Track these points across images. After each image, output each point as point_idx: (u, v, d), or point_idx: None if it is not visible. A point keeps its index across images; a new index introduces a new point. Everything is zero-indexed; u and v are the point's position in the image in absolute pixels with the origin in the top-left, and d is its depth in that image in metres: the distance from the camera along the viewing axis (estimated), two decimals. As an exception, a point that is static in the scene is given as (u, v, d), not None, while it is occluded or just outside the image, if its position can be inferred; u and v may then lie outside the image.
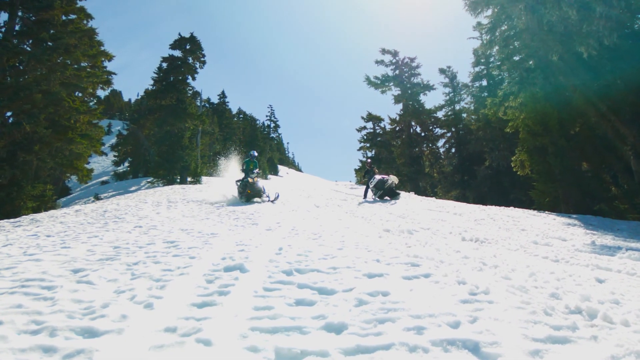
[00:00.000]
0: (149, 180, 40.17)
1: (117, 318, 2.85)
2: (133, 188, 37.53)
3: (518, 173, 29.76)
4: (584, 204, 26.00)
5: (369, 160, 23.27)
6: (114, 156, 57.02)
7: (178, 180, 37.78)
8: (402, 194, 25.57)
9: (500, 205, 24.34)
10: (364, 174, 23.13)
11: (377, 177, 20.68)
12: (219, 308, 3.13)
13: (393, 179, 20.37)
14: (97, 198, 33.77)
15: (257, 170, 19.69)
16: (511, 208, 20.69)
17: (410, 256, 5.46)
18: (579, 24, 19.06)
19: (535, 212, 20.75)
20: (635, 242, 11.42)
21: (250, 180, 18.19)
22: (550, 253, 7.93)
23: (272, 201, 18.13)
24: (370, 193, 21.38)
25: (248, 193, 17.91)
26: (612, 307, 3.77)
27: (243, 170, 19.57)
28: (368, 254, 5.50)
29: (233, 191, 19.49)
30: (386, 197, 20.43)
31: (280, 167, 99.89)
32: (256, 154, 20.18)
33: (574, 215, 19.85)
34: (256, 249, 5.62)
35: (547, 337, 2.78)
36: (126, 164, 55.44)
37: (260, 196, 18.34)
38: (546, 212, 21.88)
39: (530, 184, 29.18)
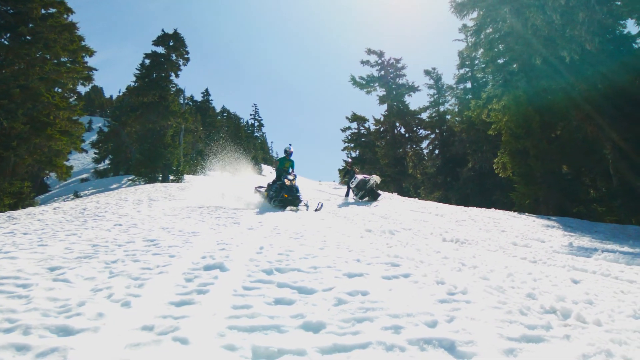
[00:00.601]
0: (130, 178, 39.88)
1: (93, 316, 2.83)
2: (114, 186, 37.29)
3: (500, 175, 30.02)
4: (563, 206, 26.27)
5: (349, 160, 23.30)
6: (95, 153, 56.69)
7: (160, 178, 37.54)
8: (385, 194, 25.62)
9: (482, 206, 24.49)
10: (344, 174, 22.97)
11: (359, 177, 20.05)
12: (198, 307, 3.11)
13: (375, 179, 19.94)
14: (77, 195, 33.51)
15: (292, 170, 17.44)
16: (492, 209, 20.83)
17: (391, 256, 5.49)
18: (562, 28, 19.26)
19: (515, 213, 20.92)
20: (612, 244, 11.56)
21: (287, 182, 16.00)
22: (529, 254, 8.00)
23: (315, 210, 15.67)
24: (351, 193, 20.84)
25: (284, 197, 15.68)
26: (586, 307, 3.83)
27: (276, 170, 17.47)
28: (349, 254, 5.52)
29: (249, 196, 17.70)
30: (366, 198, 20.04)
31: (263, 166, 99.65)
32: (292, 149, 18.26)
33: (554, 217, 20.05)
34: (237, 248, 5.60)
35: (522, 336, 2.82)
36: (107, 162, 55.08)
37: (297, 203, 15.90)
38: (526, 213, 22.07)
39: (512, 186, 29.43)
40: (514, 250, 8.63)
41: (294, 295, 3.55)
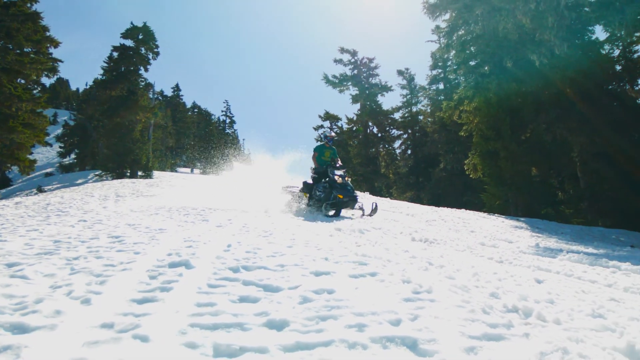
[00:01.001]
0: (97, 173, 39.22)
1: (51, 314, 2.76)
2: (80, 181, 36.70)
3: (471, 176, 30.35)
4: (532, 207, 26.67)
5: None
6: (60, 147, 55.74)
7: (128, 174, 37.09)
8: (357, 194, 25.66)
9: (453, 207, 24.72)
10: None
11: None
12: (160, 304, 3.07)
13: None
14: (40, 190, 32.94)
15: (339, 162, 14.07)
16: (462, 210, 21.08)
17: (359, 255, 5.49)
18: (532, 32, 19.57)
19: (485, 214, 21.18)
20: (577, 245, 11.77)
21: (337, 178, 13.02)
22: (496, 254, 8.10)
23: (369, 214, 13.31)
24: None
25: (338, 199, 12.62)
26: (547, 306, 3.89)
27: (316, 161, 14.18)
28: (317, 252, 5.50)
29: (272, 198, 14.95)
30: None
31: (235, 163, 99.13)
32: (333, 133, 14.71)
33: (522, 218, 20.35)
34: (204, 246, 5.55)
35: (483, 334, 2.85)
36: (73, 156, 54.17)
37: (353, 206, 13.18)
38: (496, 214, 22.38)
39: (483, 187, 29.76)
40: (481, 250, 8.73)
41: (259, 293, 3.52)
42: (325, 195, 13.12)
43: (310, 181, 14.55)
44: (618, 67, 28.65)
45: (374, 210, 13.46)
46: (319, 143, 14.85)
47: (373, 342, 2.54)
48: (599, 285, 5.85)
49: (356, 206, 13.40)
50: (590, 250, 10.80)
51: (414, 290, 3.84)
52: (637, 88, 24.73)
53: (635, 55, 28.25)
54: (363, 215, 13.34)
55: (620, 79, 27.83)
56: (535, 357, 2.54)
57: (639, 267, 7.53)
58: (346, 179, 13.38)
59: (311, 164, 14.57)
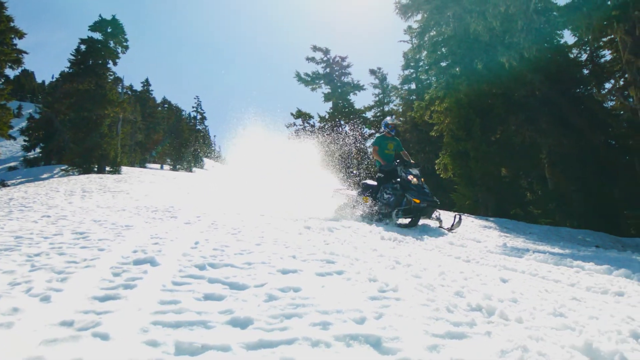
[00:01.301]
0: (63, 168, 38.55)
1: (8, 311, 2.70)
2: (45, 175, 36.06)
3: (441, 176, 30.64)
4: (501, 207, 27.03)
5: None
6: (24, 141, 54.89)
7: (96, 169, 36.59)
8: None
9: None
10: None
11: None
12: (123, 302, 3.02)
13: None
14: (3, 184, 32.26)
15: (407, 157, 12.28)
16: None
17: (327, 253, 5.50)
18: (502, 34, 19.79)
19: (455, 213, 21.39)
20: (543, 245, 11.95)
21: (412, 179, 10.97)
22: (464, 253, 8.16)
23: (450, 228, 11.35)
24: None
25: (415, 204, 10.51)
26: (510, 305, 3.93)
27: (383, 157, 12.07)
28: (285, 250, 5.49)
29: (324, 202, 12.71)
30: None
31: (205, 160, 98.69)
32: (396, 121, 12.33)
33: (491, 218, 20.61)
34: (171, 243, 5.50)
35: (446, 332, 2.87)
36: (38, 150, 53.30)
37: (431, 214, 11.27)
38: (466, 214, 22.57)
39: (453, 187, 30.09)
40: (450, 249, 8.79)
41: (225, 291, 3.49)
42: (396, 200, 11.02)
43: (372, 182, 12.45)
44: (585, 71, 29.27)
45: (458, 223, 11.50)
46: (378, 134, 12.68)
47: (337, 340, 2.54)
48: (562, 284, 5.94)
49: (432, 215, 11.50)
50: (556, 250, 10.97)
51: (380, 288, 3.86)
52: (603, 92, 25.25)
53: (602, 60, 28.90)
54: (440, 226, 11.51)
55: (588, 82, 28.42)
56: (496, 355, 2.57)
57: (602, 267, 7.66)
58: (422, 179, 11.27)
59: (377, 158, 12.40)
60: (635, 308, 4.82)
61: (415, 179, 10.94)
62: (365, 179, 13.02)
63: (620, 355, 2.71)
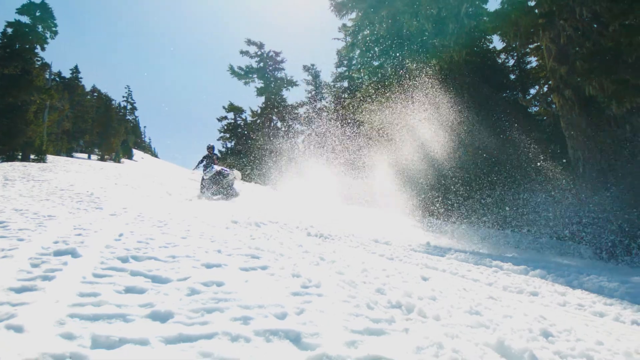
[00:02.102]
0: (-17, 154, 36.95)
1: None
2: (-37, 163, 34.46)
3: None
4: (426, 206, 27.58)
5: (211, 145, 17.91)
6: (-59, 126, 52.01)
7: (20, 157, 35.17)
8: (260, 187, 25.67)
9: (354, 203, 25.17)
10: (201, 160, 17.78)
11: (217, 168, 16.84)
12: (40, 293, 2.96)
13: (236, 175, 17.04)
14: None
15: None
16: (362, 207, 21.48)
17: (252, 248, 5.52)
18: (433, 37, 20.16)
19: (384, 212, 21.69)
20: (466, 244, 12.31)
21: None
22: (388, 251, 8.35)
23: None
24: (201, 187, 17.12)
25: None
26: (429, 302, 4.05)
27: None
28: (211, 244, 5.49)
29: None
30: (219, 196, 16.59)
31: (135, 151, 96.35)
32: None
33: (418, 217, 20.99)
34: (95, 234, 5.40)
35: (365, 329, 2.94)
36: (-45, 136, 50.69)
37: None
38: (394, 212, 22.92)
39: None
40: (374, 247, 8.97)
41: (147, 284, 3.46)
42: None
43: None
44: (512, 76, 30.30)
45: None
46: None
47: (257, 335, 2.56)
48: (480, 283, 6.17)
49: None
50: (477, 250, 11.36)
51: (302, 284, 3.92)
52: (528, 97, 26.18)
53: (528, 66, 30.00)
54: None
55: (514, 87, 29.45)
56: (412, 352, 2.64)
57: (519, 267, 8.00)
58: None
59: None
60: (547, 307, 5.08)
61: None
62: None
63: (530, 352, 2.85)
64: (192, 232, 6.52)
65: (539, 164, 27.55)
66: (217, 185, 16.36)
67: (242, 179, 18.59)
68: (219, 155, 18.97)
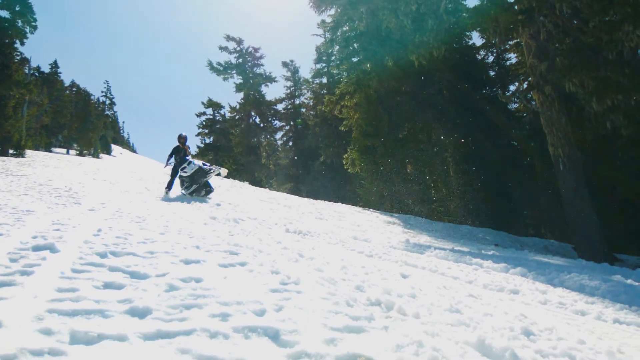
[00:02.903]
0: (-40, 149, 36.38)
1: None
2: (-61, 158, 33.92)
3: (349, 170, 31.07)
4: (406, 204, 27.72)
5: (184, 135, 15.44)
6: None
7: (-2, 152, 34.73)
8: (236, 183, 25.56)
9: (331, 200, 25.23)
10: (170, 153, 15.37)
11: (197, 163, 14.91)
12: (18, 288, 2.94)
13: (222, 172, 15.22)
14: None
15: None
16: (339, 204, 21.54)
17: (231, 244, 5.53)
18: (413, 33, 20.21)
19: (361, 208, 21.77)
20: (445, 242, 12.41)
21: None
22: (367, 248, 8.39)
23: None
24: (178, 184, 15.05)
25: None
26: (409, 300, 4.07)
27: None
28: (189, 240, 5.49)
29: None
30: (202, 193, 14.82)
31: (113, 146, 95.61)
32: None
33: (396, 215, 21.13)
34: (73, 229, 5.37)
35: (345, 326, 2.95)
36: None
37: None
38: (371, 209, 23.01)
39: (360, 182, 30.61)
40: (353, 244, 9.00)
41: (125, 279, 3.46)
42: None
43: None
44: (492, 73, 30.55)
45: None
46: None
47: (235, 332, 2.57)
48: (460, 281, 6.21)
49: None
50: (457, 247, 11.44)
51: (281, 281, 3.94)
52: (508, 94, 26.39)
53: (508, 63, 30.29)
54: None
55: (494, 84, 29.71)
56: (392, 350, 2.65)
57: (499, 265, 8.08)
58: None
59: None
60: (528, 306, 5.14)
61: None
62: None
63: (511, 351, 2.87)
64: (171, 228, 6.51)
65: (518, 161, 27.89)
66: (197, 183, 14.57)
67: (225, 175, 15.68)
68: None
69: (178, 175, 14.73)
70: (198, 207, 11.25)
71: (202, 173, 14.48)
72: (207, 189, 14.81)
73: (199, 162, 15.02)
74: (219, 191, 17.37)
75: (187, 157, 14.97)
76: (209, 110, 50.53)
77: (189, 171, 14.40)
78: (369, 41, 26.10)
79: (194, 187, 14.45)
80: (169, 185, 14.67)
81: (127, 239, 5.11)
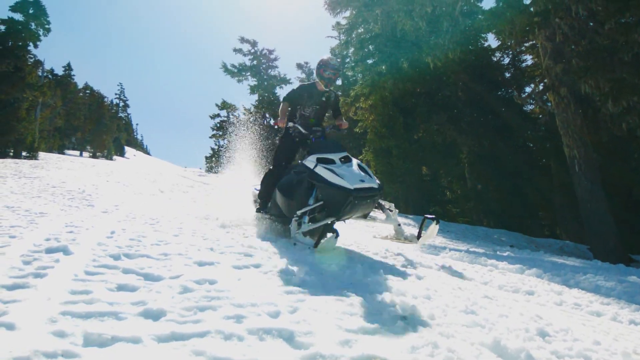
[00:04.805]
0: (-25, 152, 36.77)
1: None
2: (-46, 160, 34.30)
3: (363, 172, 31.02)
4: (421, 205, 27.65)
5: (329, 60, 7.97)
6: None
7: (11, 154, 35.04)
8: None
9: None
10: (289, 99, 8.17)
11: (356, 162, 6.74)
12: (32, 291, 2.93)
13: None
14: None
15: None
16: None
17: (245, 246, 5.50)
18: (428, 35, 20.17)
19: (375, 209, 21.71)
20: (460, 243, 12.34)
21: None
22: (381, 249, 8.30)
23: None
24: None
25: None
26: (424, 301, 4.00)
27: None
28: (203, 242, 5.47)
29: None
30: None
31: (127, 148, 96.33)
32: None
33: (411, 216, 21.04)
34: (86, 231, 5.38)
35: (359, 328, 2.91)
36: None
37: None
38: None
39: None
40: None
41: (139, 281, 3.45)
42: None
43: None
44: (507, 75, 30.40)
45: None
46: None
47: (250, 334, 2.55)
48: (475, 282, 6.15)
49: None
50: (472, 248, 11.36)
51: (295, 283, 3.91)
52: (523, 95, 26.27)
53: (524, 64, 30.11)
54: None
55: (509, 85, 29.55)
56: (407, 351, 2.61)
57: (515, 266, 7.99)
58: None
59: None
60: (544, 307, 5.07)
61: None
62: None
63: (527, 352, 2.82)
64: (185, 229, 6.51)
65: (534, 162, 27.74)
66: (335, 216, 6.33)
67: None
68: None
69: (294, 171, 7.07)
70: (213, 208, 11.24)
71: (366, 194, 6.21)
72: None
73: (356, 161, 6.87)
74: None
75: (324, 134, 7.85)
76: (223, 112, 50.81)
77: (354, 181, 5.99)
78: (384, 43, 26.06)
79: (320, 223, 6.23)
80: (264, 197, 7.69)
81: (141, 241, 5.10)
